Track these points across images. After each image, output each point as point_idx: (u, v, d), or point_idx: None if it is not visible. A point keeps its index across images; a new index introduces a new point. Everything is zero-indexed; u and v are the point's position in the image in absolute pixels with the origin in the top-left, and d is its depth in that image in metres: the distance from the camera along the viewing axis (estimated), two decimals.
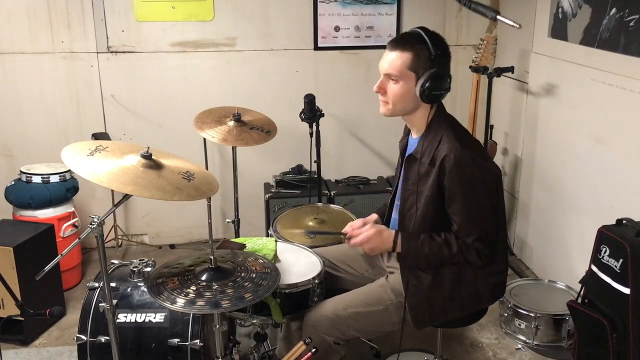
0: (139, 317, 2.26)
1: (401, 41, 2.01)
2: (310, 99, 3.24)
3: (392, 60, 2.01)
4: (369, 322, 2.18)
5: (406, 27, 3.89)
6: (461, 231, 2.03)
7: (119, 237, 3.99)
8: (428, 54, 1.97)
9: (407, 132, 2.26)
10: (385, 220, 2.40)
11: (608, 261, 2.44)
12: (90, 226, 1.84)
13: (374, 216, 2.41)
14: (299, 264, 2.36)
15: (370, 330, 2.26)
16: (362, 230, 2.13)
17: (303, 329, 2.20)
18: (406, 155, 2.15)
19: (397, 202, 2.25)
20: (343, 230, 2.21)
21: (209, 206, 2.56)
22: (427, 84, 1.97)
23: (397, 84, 2.02)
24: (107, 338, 2.13)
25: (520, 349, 2.99)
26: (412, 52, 1.98)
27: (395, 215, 2.27)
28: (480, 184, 2.00)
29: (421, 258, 2.07)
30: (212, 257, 2.04)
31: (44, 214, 3.36)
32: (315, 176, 3.52)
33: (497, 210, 2.08)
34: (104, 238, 2.02)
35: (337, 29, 3.86)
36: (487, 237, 2.03)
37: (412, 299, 2.11)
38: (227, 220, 3.46)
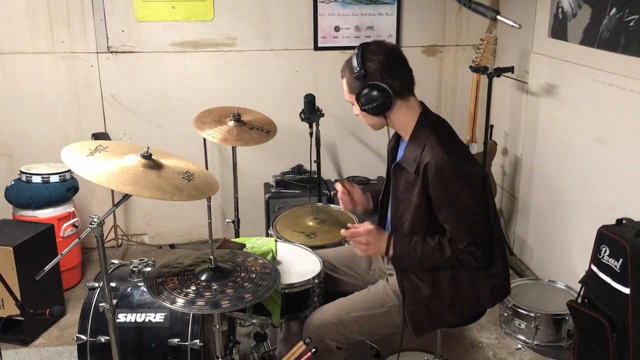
0: (139, 317, 2.26)
1: (342, 69, 2.09)
2: (310, 99, 3.24)
3: (343, 87, 2.11)
4: (372, 325, 2.18)
5: (406, 27, 3.90)
6: (454, 238, 2.03)
7: (119, 237, 3.99)
8: (352, 74, 2.02)
9: (397, 136, 2.23)
10: (379, 221, 2.39)
11: (608, 261, 2.44)
12: (90, 226, 1.84)
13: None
14: (298, 264, 2.36)
15: (374, 333, 2.25)
16: (364, 224, 2.12)
17: (304, 333, 2.19)
18: (395, 162, 2.14)
19: (389, 206, 2.24)
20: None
21: (209, 206, 2.55)
22: (361, 104, 2.02)
23: (353, 107, 2.10)
24: (107, 338, 2.13)
25: (520, 348, 2.99)
26: (345, 78, 2.08)
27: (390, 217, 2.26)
28: (465, 190, 1.99)
29: (414, 261, 2.06)
30: (212, 257, 2.04)
31: (44, 214, 3.36)
32: (315, 176, 3.51)
33: (489, 210, 2.07)
34: (104, 238, 2.02)
35: (337, 29, 3.86)
36: (480, 240, 2.03)
37: (410, 307, 2.10)
38: (227, 220, 3.46)
